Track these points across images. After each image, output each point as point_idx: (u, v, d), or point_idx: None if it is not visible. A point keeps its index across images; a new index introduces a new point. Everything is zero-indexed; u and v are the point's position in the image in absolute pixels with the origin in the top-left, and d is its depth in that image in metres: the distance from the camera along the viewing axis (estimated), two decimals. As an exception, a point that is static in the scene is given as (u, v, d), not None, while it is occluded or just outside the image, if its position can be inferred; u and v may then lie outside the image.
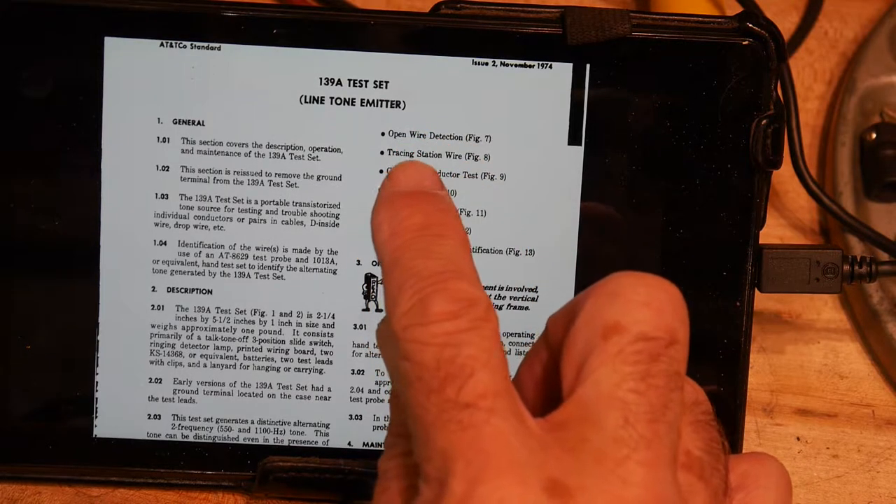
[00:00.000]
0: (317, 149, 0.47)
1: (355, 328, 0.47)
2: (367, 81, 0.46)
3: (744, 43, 0.46)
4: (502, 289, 0.47)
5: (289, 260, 0.47)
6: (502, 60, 0.46)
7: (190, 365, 0.47)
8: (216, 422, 0.48)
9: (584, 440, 0.29)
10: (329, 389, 0.48)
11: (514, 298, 0.47)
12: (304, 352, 0.47)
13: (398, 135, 0.46)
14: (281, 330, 0.47)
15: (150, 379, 0.47)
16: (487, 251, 0.47)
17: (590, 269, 0.47)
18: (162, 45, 0.46)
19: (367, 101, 0.46)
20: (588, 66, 0.46)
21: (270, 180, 0.47)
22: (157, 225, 0.47)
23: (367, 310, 0.47)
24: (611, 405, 0.29)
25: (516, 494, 0.28)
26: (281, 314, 0.47)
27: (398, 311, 0.30)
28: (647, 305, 0.31)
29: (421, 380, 0.29)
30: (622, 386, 0.30)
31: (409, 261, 0.31)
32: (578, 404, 0.30)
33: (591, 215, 0.47)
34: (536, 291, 0.47)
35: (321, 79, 0.46)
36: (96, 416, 0.47)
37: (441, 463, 0.28)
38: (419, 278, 0.30)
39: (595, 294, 0.31)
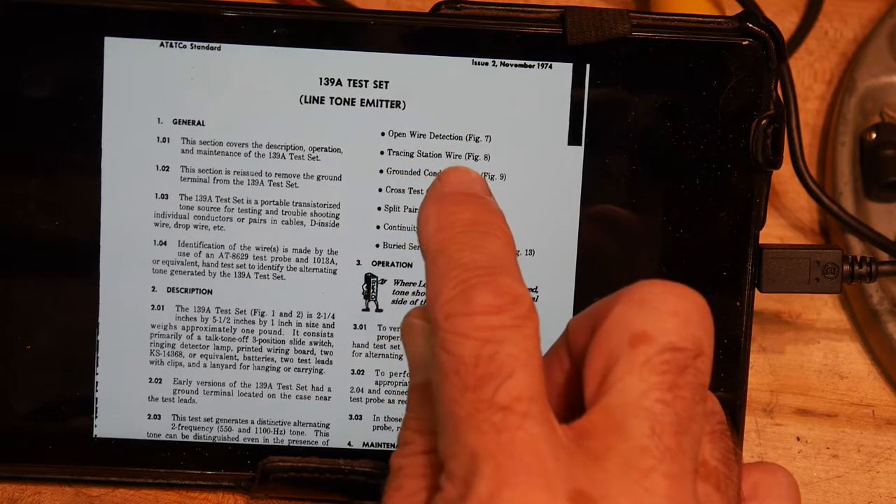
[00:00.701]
0: (317, 149, 0.47)
1: (355, 328, 0.47)
2: (367, 81, 0.46)
3: (744, 43, 0.46)
4: (502, 289, 0.47)
5: (289, 260, 0.47)
6: (502, 60, 0.46)
7: (190, 365, 0.47)
8: (216, 422, 0.48)
9: (609, 449, 0.29)
10: (329, 389, 0.48)
11: (514, 298, 0.47)
12: (304, 352, 0.47)
13: (398, 135, 0.46)
14: (281, 330, 0.47)
15: (150, 379, 0.47)
16: (487, 251, 0.47)
17: (590, 269, 0.47)
18: (162, 45, 0.46)
19: (367, 101, 0.46)
20: (588, 66, 0.46)
21: (270, 180, 0.47)
22: (157, 225, 0.47)
23: (367, 310, 0.47)
24: (637, 414, 0.29)
25: (542, 502, 0.28)
26: (281, 314, 0.47)
27: (441, 299, 0.30)
28: (676, 315, 0.30)
29: (458, 374, 0.29)
30: (649, 396, 0.29)
31: (456, 252, 0.30)
32: (604, 412, 0.29)
33: (592, 216, 0.47)
34: (536, 291, 0.47)
35: (321, 79, 0.46)
36: (96, 416, 0.47)
37: (469, 462, 0.28)
38: (465, 269, 0.30)
39: (623, 301, 0.31)
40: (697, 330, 0.30)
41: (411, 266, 0.47)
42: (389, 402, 0.48)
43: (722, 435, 0.32)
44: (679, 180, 0.47)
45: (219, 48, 0.46)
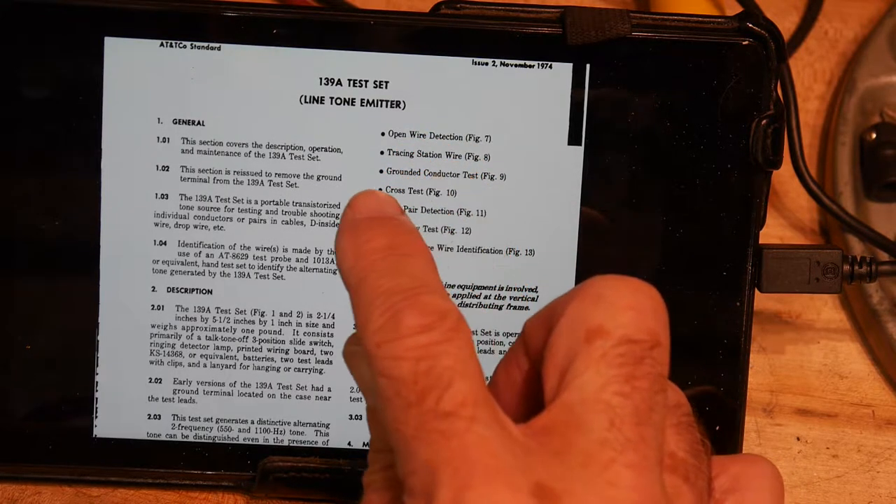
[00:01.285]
0: (317, 149, 0.47)
1: (355, 328, 0.47)
2: (367, 81, 0.46)
3: (744, 43, 0.46)
4: (502, 289, 0.47)
5: (289, 260, 0.47)
6: (502, 60, 0.46)
7: (190, 365, 0.47)
8: (216, 422, 0.48)
9: (569, 444, 0.29)
10: (329, 389, 0.48)
11: (514, 298, 0.47)
12: (304, 352, 0.47)
13: (398, 135, 0.46)
14: (281, 330, 0.47)
15: (150, 379, 0.47)
16: (487, 251, 0.47)
17: (590, 268, 0.47)
18: (162, 45, 0.46)
19: (367, 101, 0.46)
20: (588, 66, 0.46)
21: (270, 180, 0.47)
22: (157, 225, 0.47)
23: (367, 310, 0.47)
24: (596, 408, 0.29)
25: (505, 500, 0.28)
26: (281, 314, 0.47)
27: (370, 329, 0.30)
28: (630, 308, 0.31)
29: (399, 395, 0.29)
30: (607, 389, 0.29)
31: (377, 280, 0.31)
32: (563, 408, 0.30)
33: (592, 216, 0.47)
34: (536, 291, 0.47)
35: (321, 79, 0.46)
36: (96, 416, 0.47)
37: (426, 475, 0.28)
38: (388, 295, 0.30)
39: (578, 297, 0.31)
40: (653, 322, 0.31)
41: (411, 266, 0.47)
42: (389, 402, 0.48)
43: (688, 426, 0.32)
44: (679, 180, 0.47)
45: (219, 48, 0.46)
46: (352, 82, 0.46)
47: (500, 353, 0.47)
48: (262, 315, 0.47)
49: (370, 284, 0.31)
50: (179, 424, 0.47)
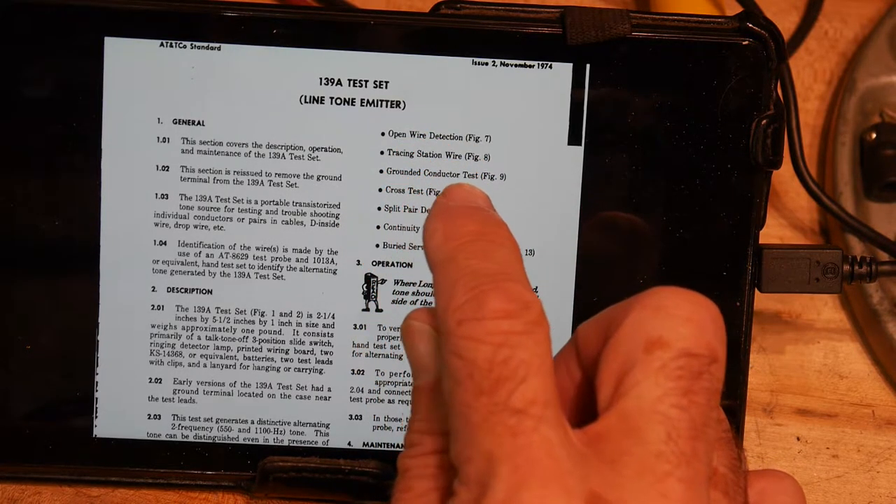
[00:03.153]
0: (317, 149, 0.47)
1: (355, 328, 0.47)
2: (367, 81, 0.46)
3: (744, 43, 0.46)
4: (502, 289, 0.47)
5: (289, 260, 0.47)
6: (502, 60, 0.46)
7: (190, 365, 0.47)
8: (216, 422, 0.48)
9: (624, 453, 0.29)
10: (329, 389, 0.48)
11: (514, 298, 0.47)
12: (304, 352, 0.47)
13: (398, 135, 0.47)
14: (281, 330, 0.47)
15: (150, 379, 0.47)
16: (487, 251, 0.47)
17: (590, 269, 0.47)
18: (162, 45, 0.46)
19: (367, 101, 0.46)
20: (588, 66, 0.46)
21: (270, 180, 0.47)
22: (157, 225, 0.47)
23: (367, 310, 0.47)
24: (653, 419, 0.29)
25: None
26: (281, 314, 0.47)
27: (453, 304, 0.30)
28: (691, 322, 0.30)
29: (472, 378, 0.29)
30: (665, 401, 0.29)
31: (465, 260, 0.31)
32: (620, 417, 0.30)
33: (592, 216, 0.47)
34: (536, 291, 0.47)
35: (321, 79, 0.46)
36: (96, 416, 0.47)
37: (484, 465, 0.28)
38: (475, 276, 0.30)
39: (638, 307, 0.31)
40: (712, 337, 0.31)
41: (411, 266, 0.47)
42: (389, 402, 0.48)
43: (729, 442, 0.32)
44: (679, 180, 0.47)
45: (219, 48, 0.46)
46: (352, 82, 0.46)
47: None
48: (262, 315, 0.47)
49: (458, 263, 0.31)
50: (179, 424, 0.47)
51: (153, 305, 0.47)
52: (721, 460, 0.32)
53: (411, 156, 0.47)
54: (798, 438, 0.51)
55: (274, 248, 0.47)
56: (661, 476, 0.29)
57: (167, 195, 0.47)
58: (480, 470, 0.28)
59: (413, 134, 0.47)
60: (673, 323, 0.30)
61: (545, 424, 0.29)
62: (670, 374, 0.30)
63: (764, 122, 0.46)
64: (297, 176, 0.47)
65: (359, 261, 0.47)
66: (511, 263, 0.31)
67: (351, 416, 0.48)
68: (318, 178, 0.47)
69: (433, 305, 0.31)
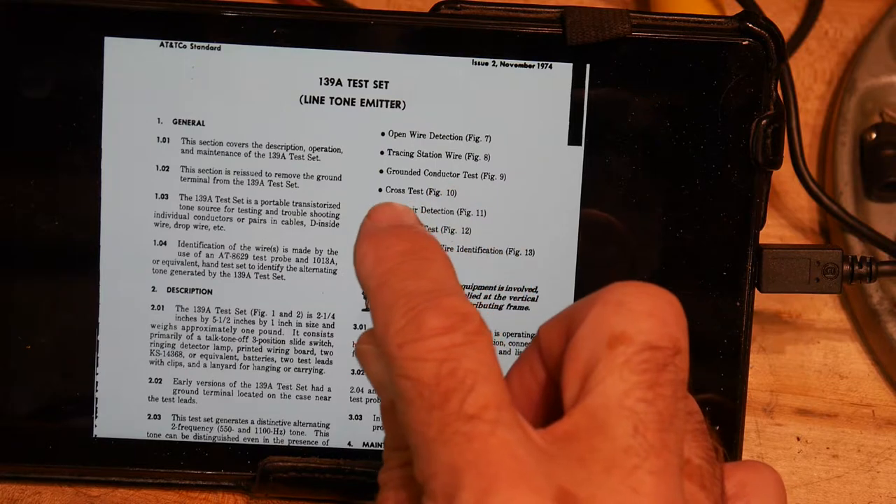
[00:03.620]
0: (317, 149, 0.47)
1: (355, 328, 0.47)
2: (367, 81, 0.46)
3: (744, 43, 0.46)
4: (502, 289, 0.47)
5: (289, 260, 0.47)
6: (502, 60, 0.46)
7: (190, 365, 0.47)
8: (216, 422, 0.48)
9: (592, 450, 0.29)
10: (329, 389, 0.48)
11: (514, 298, 0.47)
12: (304, 352, 0.47)
13: (398, 135, 0.47)
14: (281, 330, 0.47)
15: (150, 379, 0.47)
16: (487, 251, 0.47)
17: (590, 268, 0.47)
18: (162, 45, 0.46)
19: (367, 101, 0.46)
20: (588, 66, 0.46)
21: (270, 180, 0.47)
22: (157, 225, 0.47)
23: (367, 310, 0.47)
24: (620, 414, 0.29)
25: (530, 503, 0.28)
26: (281, 314, 0.47)
27: (392, 330, 0.30)
28: (652, 315, 0.30)
29: (421, 396, 0.29)
30: (631, 395, 0.29)
31: (398, 282, 0.31)
32: (585, 414, 0.30)
33: (592, 216, 0.47)
34: (536, 291, 0.47)
35: (321, 79, 0.46)
36: (96, 416, 0.47)
37: (448, 477, 0.28)
38: (410, 297, 0.30)
39: (599, 303, 0.31)
40: (674, 329, 0.31)
41: (411, 266, 0.47)
42: (389, 402, 0.48)
43: (703, 433, 0.32)
44: (679, 180, 0.47)
45: (219, 48, 0.46)
46: (352, 82, 0.46)
47: (500, 353, 0.47)
48: (262, 315, 0.47)
49: (391, 287, 0.31)
50: (179, 424, 0.47)
51: (153, 305, 0.47)
52: (696, 452, 0.32)
53: (411, 156, 0.47)
54: (798, 438, 0.51)
55: (274, 248, 0.47)
56: (631, 470, 0.29)
57: (167, 195, 0.47)
58: (445, 483, 0.28)
59: (413, 134, 0.47)
60: (634, 317, 0.30)
61: (501, 427, 0.29)
62: (635, 369, 0.30)
63: (764, 122, 0.46)
64: (297, 176, 0.47)
65: (359, 261, 0.47)
66: (444, 278, 0.31)
67: (351, 416, 0.48)
68: (318, 178, 0.47)
69: None
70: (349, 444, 0.48)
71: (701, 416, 0.33)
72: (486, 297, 0.47)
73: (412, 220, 0.33)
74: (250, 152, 0.46)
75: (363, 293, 0.32)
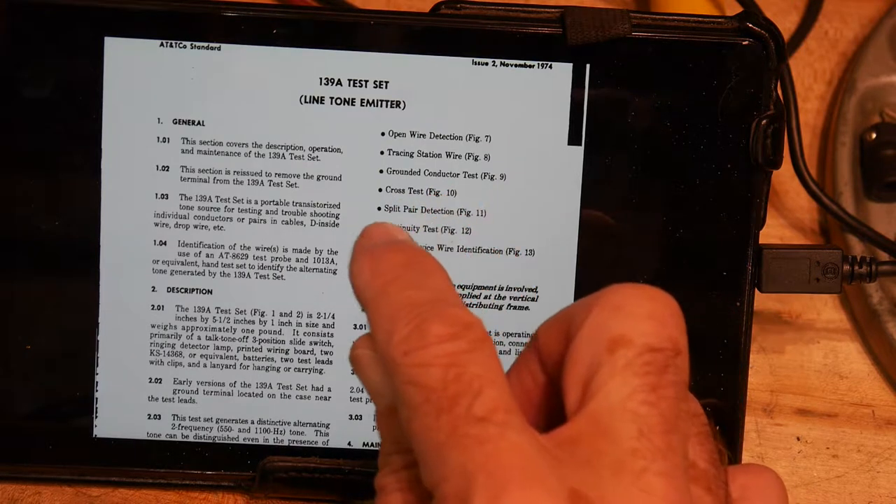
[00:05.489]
0: (317, 149, 0.47)
1: (355, 328, 0.47)
2: (367, 81, 0.46)
3: (744, 43, 0.46)
4: (502, 289, 0.47)
5: (289, 260, 0.47)
6: (502, 60, 0.46)
7: (190, 365, 0.47)
8: (216, 422, 0.48)
9: (599, 453, 0.29)
10: (329, 389, 0.48)
11: (514, 298, 0.47)
12: (304, 352, 0.47)
13: (398, 135, 0.47)
14: (281, 330, 0.47)
15: (150, 379, 0.47)
16: (487, 251, 0.47)
17: (590, 268, 0.47)
18: (162, 45, 0.46)
19: (367, 101, 0.46)
20: (588, 66, 0.46)
21: (270, 180, 0.47)
22: (157, 225, 0.47)
23: (367, 310, 0.47)
24: (624, 417, 0.29)
25: (544, 503, 0.28)
26: (281, 314, 0.47)
27: (395, 339, 0.30)
28: (651, 317, 0.31)
29: (428, 401, 0.29)
30: (634, 398, 0.30)
31: (398, 292, 0.31)
32: (589, 418, 0.30)
33: (592, 216, 0.47)
34: (536, 291, 0.47)
35: (321, 79, 0.46)
36: (96, 416, 0.47)
37: (460, 481, 0.28)
38: (412, 306, 0.30)
39: (597, 307, 0.31)
40: (673, 330, 0.31)
41: (411, 266, 0.47)
42: (389, 402, 0.48)
43: (707, 436, 0.32)
44: (679, 180, 0.47)
45: (219, 48, 0.46)
46: (352, 82, 0.46)
47: (500, 352, 0.47)
48: (262, 315, 0.47)
49: (392, 296, 0.31)
50: (179, 424, 0.47)
51: (153, 305, 0.47)
52: (701, 455, 0.32)
53: (411, 156, 0.47)
54: (798, 438, 0.51)
55: (274, 248, 0.47)
56: (639, 472, 0.29)
57: (167, 195, 0.47)
58: (457, 486, 0.28)
59: (413, 134, 0.47)
60: (633, 320, 0.30)
61: (511, 429, 0.29)
62: (636, 371, 0.30)
63: (764, 122, 0.46)
64: (297, 176, 0.47)
65: (359, 261, 0.47)
66: (444, 289, 0.31)
67: (351, 416, 0.48)
68: (318, 178, 0.47)
69: None
70: (349, 444, 0.48)
71: (705, 419, 0.33)
72: (486, 297, 0.47)
73: (405, 237, 0.33)
74: (250, 152, 0.46)
75: (361, 307, 0.32)
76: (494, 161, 0.47)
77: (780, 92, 0.47)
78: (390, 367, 0.30)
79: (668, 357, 0.30)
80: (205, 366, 0.47)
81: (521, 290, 0.47)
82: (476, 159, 0.47)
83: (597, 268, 0.47)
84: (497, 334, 0.47)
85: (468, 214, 0.47)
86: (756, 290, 0.48)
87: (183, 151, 0.46)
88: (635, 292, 0.31)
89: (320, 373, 0.48)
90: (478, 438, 0.28)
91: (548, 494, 0.28)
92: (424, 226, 0.47)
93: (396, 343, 0.30)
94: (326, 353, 0.47)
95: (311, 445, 0.48)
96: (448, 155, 0.47)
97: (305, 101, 0.46)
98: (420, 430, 0.29)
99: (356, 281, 0.32)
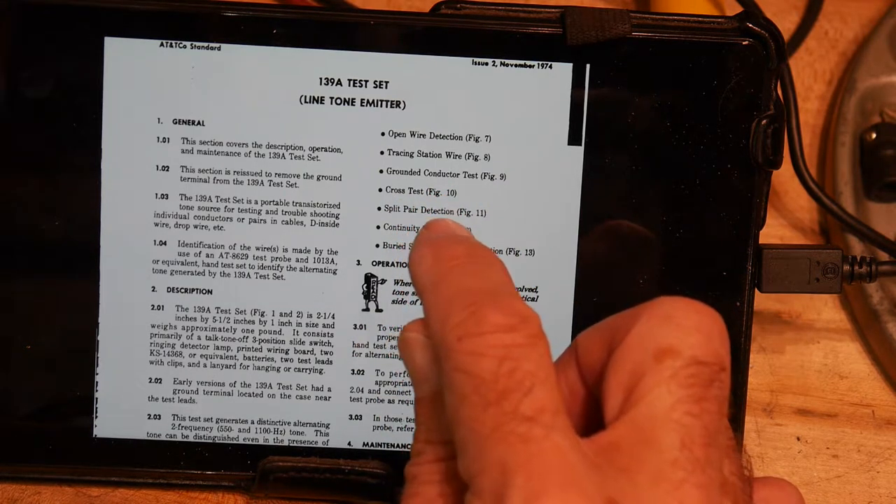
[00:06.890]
0: (317, 149, 0.47)
1: (355, 328, 0.47)
2: (367, 81, 0.46)
3: (744, 43, 0.46)
4: (502, 289, 0.47)
5: (289, 260, 0.47)
6: (502, 60, 0.46)
7: (190, 365, 0.47)
8: (216, 422, 0.48)
9: (639, 461, 0.29)
10: (329, 389, 0.48)
11: (514, 298, 0.47)
12: (304, 352, 0.47)
13: (398, 135, 0.47)
14: (281, 330, 0.47)
15: (150, 379, 0.47)
16: (487, 251, 0.47)
17: (590, 269, 0.47)
18: (162, 45, 0.46)
19: (367, 101, 0.46)
20: (588, 66, 0.46)
21: (270, 180, 0.47)
22: (157, 225, 0.47)
23: (367, 310, 0.47)
24: (667, 427, 0.29)
25: None
26: (281, 314, 0.47)
27: (451, 322, 0.30)
28: (699, 331, 0.31)
29: (477, 392, 0.29)
30: (678, 408, 0.30)
31: (458, 279, 0.31)
32: (632, 425, 0.30)
33: (592, 216, 0.47)
34: (536, 291, 0.47)
35: (321, 79, 0.46)
36: (96, 416, 0.47)
37: (499, 475, 0.28)
38: (471, 293, 0.30)
39: (645, 316, 0.31)
40: (719, 346, 0.31)
41: (411, 266, 0.47)
42: (389, 402, 0.48)
43: (735, 450, 0.32)
44: (679, 180, 0.47)
45: (219, 48, 0.46)
46: (352, 82, 0.46)
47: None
48: (262, 315, 0.47)
49: (452, 282, 0.31)
50: (179, 424, 0.47)
51: (153, 305, 0.47)
52: (730, 468, 0.32)
53: (411, 156, 0.47)
54: (798, 438, 0.51)
55: (274, 248, 0.47)
56: (678, 483, 0.29)
57: (167, 195, 0.47)
58: (494, 481, 0.28)
59: (413, 134, 0.47)
60: (682, 332, 0.31)
61: (556, 432, 0.28)
62: (682, 382, 0.30)
63: (764, 122, 0.46)
64: (297, 176, 0.47)
65: (359, 261, 0.47)
66: (504, 282, 0.31)
67: (351, 416, 0.48)
68: (318, 178, 0.47)
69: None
70: (349, 444, 0.48)
71: (732, 433, 0.33)
72: (486, 297, 0.47)
73: (467, 232, 0.34)
74: (250, 152, 0.46)
75: (418, 296, 0.32)
76: (494, 161, 0.47)
77: (780, 92, 0.47)
78: (442, 352, 0.30)
79: (713, 371, 0.30)
80: (205, 366, 0.47)
81: (522, 290, 0.47)
82: (476, 159, 0.47)
83: (597, 268, 0.47)
84: (497, 334, 0.47)
85: (468, 214, 0.47)
86: (756, 289, 0.48)
87: (183, 151, 0.46)
88: (684, 305, 0.31)
89: (320, 373, 0.48)
90: (522, 437, 0.28)
91: (585, 500, 0.28)
92: None
93: (452, 327, 0.30)
94: (326, 353, 0.47)
95: (310, 445, 0.48)
96: (448, 155, 0.47)
97: (305, 101, 0.46)
98: (465, 419, 0.29)
99: (417, 269, 0.32)
